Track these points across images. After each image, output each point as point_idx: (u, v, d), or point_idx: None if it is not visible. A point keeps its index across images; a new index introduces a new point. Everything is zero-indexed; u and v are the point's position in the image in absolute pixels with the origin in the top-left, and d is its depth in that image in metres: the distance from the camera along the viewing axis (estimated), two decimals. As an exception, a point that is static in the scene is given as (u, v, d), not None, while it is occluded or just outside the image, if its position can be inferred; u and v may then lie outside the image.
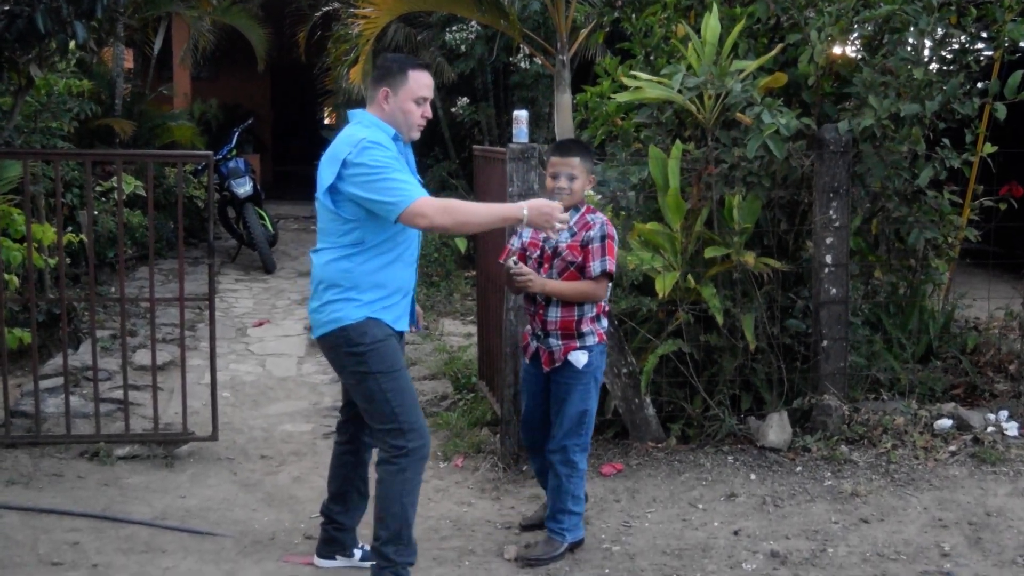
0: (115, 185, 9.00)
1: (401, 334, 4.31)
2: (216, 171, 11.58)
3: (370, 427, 4.30)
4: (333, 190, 4.06)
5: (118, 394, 6.38)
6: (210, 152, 6.58)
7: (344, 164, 4.01)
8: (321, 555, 4.61)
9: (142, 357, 7.34)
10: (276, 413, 6.89)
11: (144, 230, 10.00)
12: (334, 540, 4.58)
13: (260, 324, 9.23)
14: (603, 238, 4.54)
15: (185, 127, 13.14)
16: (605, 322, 4.70)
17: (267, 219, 12.00)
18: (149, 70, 14.22)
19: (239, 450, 6.13)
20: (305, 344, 8.51)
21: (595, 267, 4.52)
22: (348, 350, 4.12)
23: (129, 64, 14.51)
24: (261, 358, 8.19)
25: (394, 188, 3.95)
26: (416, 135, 4.27)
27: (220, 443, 6.09)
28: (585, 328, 4.59)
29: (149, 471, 5.75)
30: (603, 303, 4.65)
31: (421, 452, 4.17)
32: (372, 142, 4.02)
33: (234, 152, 12.03)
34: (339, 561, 4.59)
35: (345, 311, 4.10)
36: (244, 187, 11.59)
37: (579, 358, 4.58)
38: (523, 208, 4.04)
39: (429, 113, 4.27)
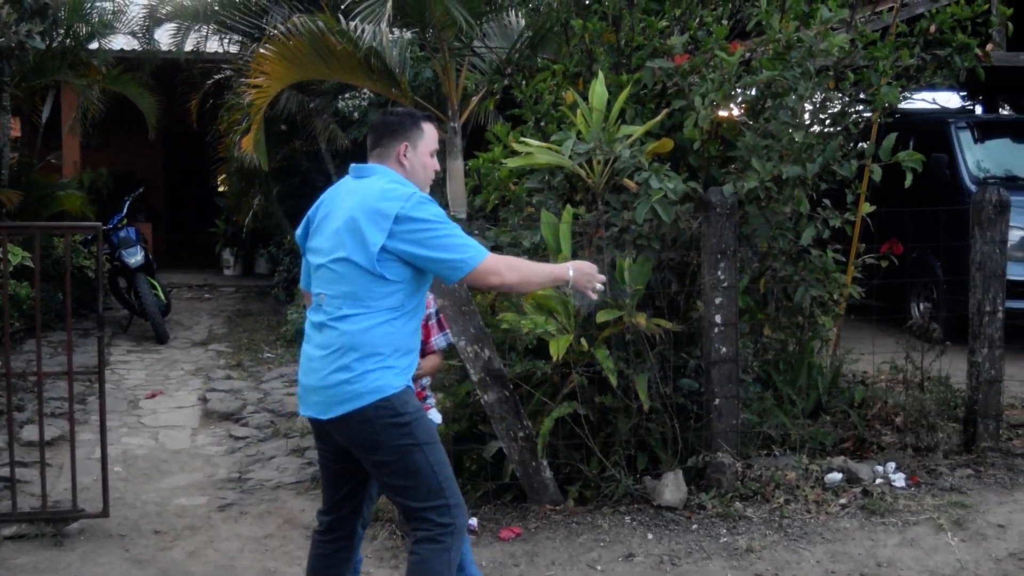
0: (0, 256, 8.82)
1: None
2: (107, 241, 11.41)
3: (406, 511, 3.92)
4: (382, 250, 3.74)
5: (5, 471, 6.20)
6: (98, 223, 6.50)
7: (396, 220, 3.72)
8: None
9: (30, 433, 7.15)
10: (170, 487, 6.75)
11: (32, 302, 9.79)
12: None
13: (153, 396, 9.06)
14: (438, 312, 4.62)
15: (74, 196, 12.93)
16: None
17: (159, 288, 11.84)
18: (37, 139, 14.00)
19: (131, 526, 6.00)
20: (199, 415, 8.39)
21: (439, 341, 4.60)
22: (391, 421, 3.76)
23: (16, 133, 14.27)
24: (154, 430, 8.04)
25: (462, 245, 3.74)
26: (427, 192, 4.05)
27: (111, 519, 5.95)
28: None
29: (37, 551, 5.59)
30: None
31: (464, 528, 3.93)
32: (425, 197, 3.80)
33: (125, 221, 11.87)
34: None
35: (387, 379, 3.76)
36: (135, 256, 11.43)
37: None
38: (569, 269, 3.99)
39: (439, 166, 4.12)
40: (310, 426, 4.14)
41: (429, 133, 4.05)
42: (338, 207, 3.93)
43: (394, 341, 3.80)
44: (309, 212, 4.12)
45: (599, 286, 4.06)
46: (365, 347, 3.77)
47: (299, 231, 4.14)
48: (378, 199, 3.79)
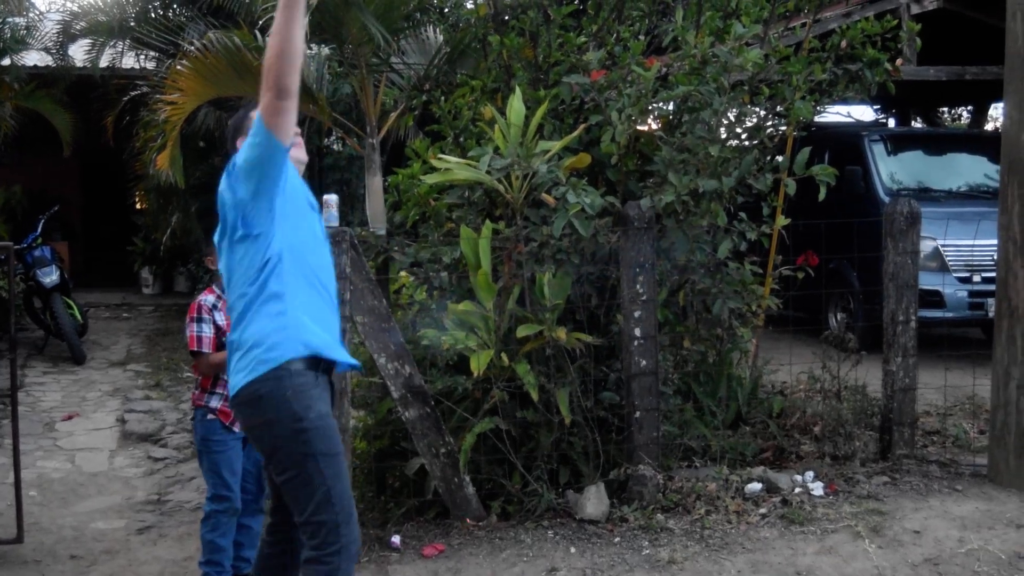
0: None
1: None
2: (21, 260, 11.21)
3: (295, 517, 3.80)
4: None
5: (-86, 499, 6.07)
6: (9, 243, 6.38)
7: (227, 175, 3.77)
8: None
9: (-59, 458, 7.01)
10: (87, 510, 6.64)
11: (-57, 324, 9.59)
12: None
13: (69, 418, 8.91)
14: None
15: (-14, 215, 12.70)
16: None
17: (75, 308, 11.65)
18: (-53, 157, 13.74)
19: (47, 552, 5.88)
20: (117, 437, 8.26)
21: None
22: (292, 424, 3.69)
23: (-74, 151, 13.98)
24: (70, 453, 7.90)
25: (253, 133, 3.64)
26: (299, 153, 4.02)
27: (26, 545, 5.83)
28: None
29: (-52, 580, 5.47)
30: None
31: (354, 548, 3.75)
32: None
33: (39, 240, 11.68)
34: None
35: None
36: (50, 276, 11.25)
37: None
38: None
39: (296, 130, 3.94)
40: None
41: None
42: None
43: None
44: None
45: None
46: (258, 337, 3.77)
47: None
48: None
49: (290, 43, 3.58)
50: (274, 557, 4.08)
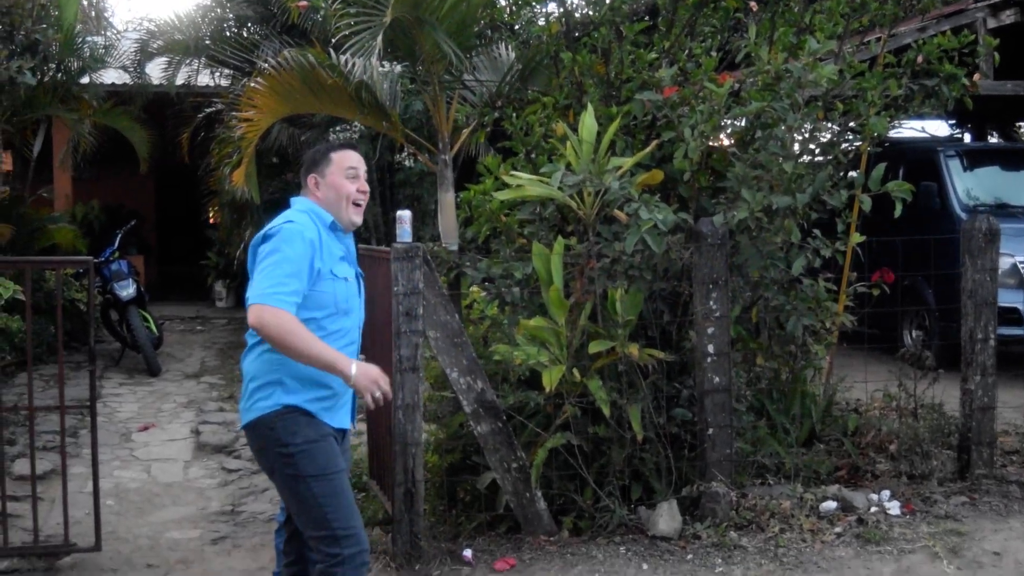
0: (-8, 291, 8.83)
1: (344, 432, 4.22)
2: (98, 274, 11.41)
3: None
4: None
5: (-4, 506, 6.18)
6: (90, 257, 6.51)
7: (261, 241, 3.98)
8: None
9: (21, 467, 7.13)
10: (162, 520, 6.73)
11: (23, 335, 9.77)
12: None
13: (145, 428, 9.04)
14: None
15: (65, 230, 12.93)
16: None
17: (151, 321, 11.83)
18: (28, 172, 13.99)
19: (124, 560, 5.97)
20: (192, 448, 8.37)
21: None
22: (277, 451, 3.97)
23: (8, 167, 14.28)
24: (146, 464, 8.02)
25: (269, 281, 3.82)
26: (357, 218, 4.20)
27: (104, 554, 5.92)
28: None
29: (29, 587, 5.57)
30: None
31: (359, 559, 3.98)
32: (293, 230, 3.95)
33: (116, 254, 11.88)
34: None
35: (274, 399, 3.97)
36: (127, 289, 11.44)
37: None
38: (352, 367, 3.88)
39: (366, 187, 4.23)
40: None
41: (338, 160, 4.22)
42: None
43: (281, 368, 3.96)
44: None
45: (378, 394, 3.95)
46: (254, 374, 4.02)
47: None
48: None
49: (295, 357, 3.88)
50: (288, 566, 4.40)
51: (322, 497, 3.93)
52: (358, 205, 4.23)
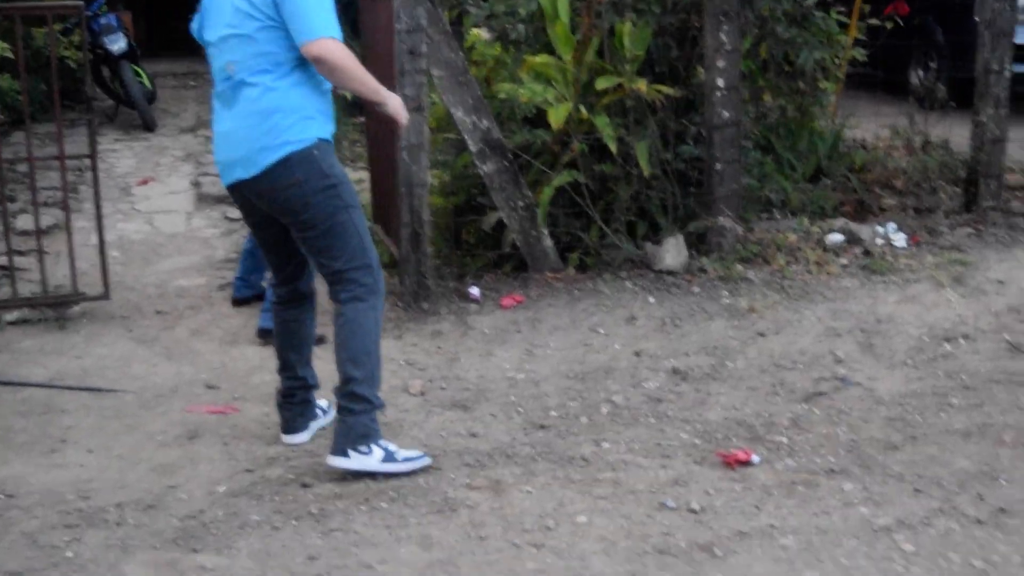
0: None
1: None
2: (88, 29, 11.10)
3: (331, 274, 3.98)
4: None
5: (2, 260, 6.17)
6: (81, 3, 6.27)
7: None
8: (297, 429, 4.32)
9: (24, 222, 7.08)
10: (168, 269, 6.75)
11: (16, 94, 9.57)
12: (307, 403, 4.35)
13: (145, 182, 8.96)
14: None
15: (51, -18, 12.51)
16: None
17: (144, 76, 11.57)
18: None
19: (133, 308, 6.01)
20: (193, 199, 8.31)
21: None
22: (320, 184, 3.87)
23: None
24: (148, 216, 7.98)
25: (320, 16, 3.71)
26: None
27: (113, 302, 5.95)
28: None
29: (41, 334, 5.61)
30: None
31: (382, 291, 4.05)
32: None
33: (105, 8, 11.51)
34: (312, 426, 4.37)
35: (309, 130, 3.87)
36: (118, 43, 11.12)
37: None
38: (389, 98, 3.99)
39: None
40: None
41: None
42: None
43: (312, 101, 3.89)
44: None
45: (405, 121, 4.15)
46: (284, 106, 3.83)
47: (193, 24, 4.13)
48: None
49: (344, 83, 3.86)
50: (293, 322, 4.29)
51: (361, 227, 3.96)
52: None
